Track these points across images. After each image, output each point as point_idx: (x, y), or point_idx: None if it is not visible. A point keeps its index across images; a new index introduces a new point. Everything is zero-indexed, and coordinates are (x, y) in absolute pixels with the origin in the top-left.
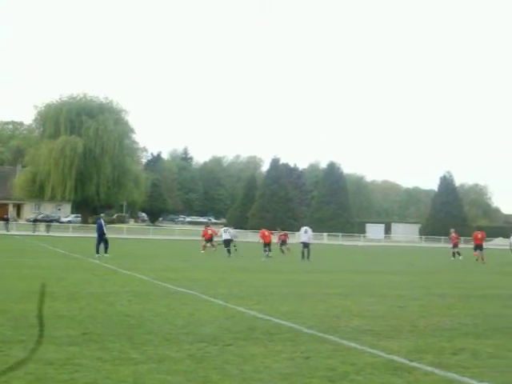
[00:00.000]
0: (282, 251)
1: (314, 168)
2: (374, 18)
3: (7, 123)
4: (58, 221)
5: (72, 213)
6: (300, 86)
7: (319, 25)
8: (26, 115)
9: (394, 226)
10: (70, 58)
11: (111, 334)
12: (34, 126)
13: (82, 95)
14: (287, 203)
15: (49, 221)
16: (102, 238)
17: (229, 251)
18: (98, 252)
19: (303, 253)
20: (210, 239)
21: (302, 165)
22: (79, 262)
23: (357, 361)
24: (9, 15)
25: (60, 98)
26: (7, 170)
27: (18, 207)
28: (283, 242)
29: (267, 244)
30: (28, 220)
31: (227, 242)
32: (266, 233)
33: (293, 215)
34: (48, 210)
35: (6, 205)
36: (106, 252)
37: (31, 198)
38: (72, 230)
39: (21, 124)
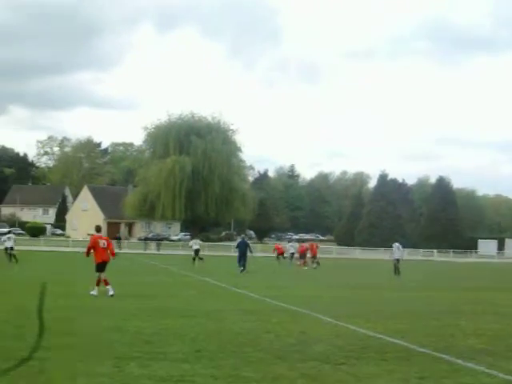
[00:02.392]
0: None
1: (422, 183)
2: None
3: (118, 145)
4: (168, 239)
5: (181, 231)
6: (409, 101)
7: None
8: (136, 136)
9: (509, 242)
10: (176, 77)
11: (223, 352)
12: (143, 146)
13: (190, 115)
14: (396, 219)
15: (159, 239)
16: (244, 256)
17: (194, 260)
18: (240, 266)
19: (398, 268)
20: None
21: (411, 180)
22: (190, 279)
23: (473, 381)
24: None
25: (169, 119)
26: (119, 190)
27: (130, 226)
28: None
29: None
30: (139, 238)
31: (196, 252)
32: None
33: (401, 232)
34: (158, 228)
35: (118, 224)
36: (244, 268)
37: (142, 217)
38: (182, 247)
39: (131, 145)
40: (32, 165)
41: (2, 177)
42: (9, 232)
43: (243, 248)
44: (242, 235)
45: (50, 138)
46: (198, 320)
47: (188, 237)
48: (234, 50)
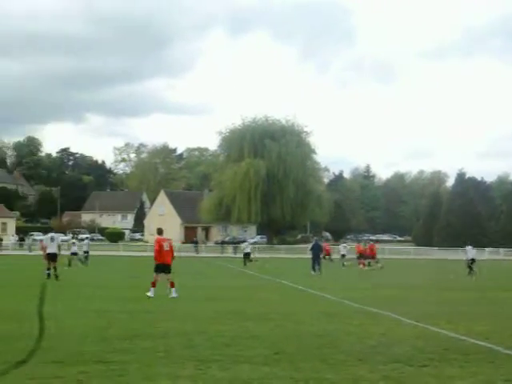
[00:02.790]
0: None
1: (502, 181)
2: None
3: (193, 150)
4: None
5: (257, 234)
6: (485, 98)
7: None
8: (210, 141)
9: None
10: (249, 81)
11: (303, 354)
12: (218, 151)
13: (263, 118)
14: (475, 218)
15: (236, 242)
16: (318, 258)
17: (245, 263)
18: (313, 270)
19: (472, 268)
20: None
21: (490, 178)
22: (267, 282)
23: None
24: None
25: (243, 123)
26: (195, 194)
27: (207, 230)
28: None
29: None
30: (216, 242)
31: (247, 255)
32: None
33: (481, 231)
34: (234, 232)
35: (195, 228)
36: (319, 270)
37: (218, 221)
38: (258, 251)
39: (206, 150)
40: (110, 171)
41: (81, 184)
42: (72, 238)
43: (317, 250)
44: (316, 238)
45: (126, 144)
46: (276, 322)
47: (265, 239)
48: (307, 52)
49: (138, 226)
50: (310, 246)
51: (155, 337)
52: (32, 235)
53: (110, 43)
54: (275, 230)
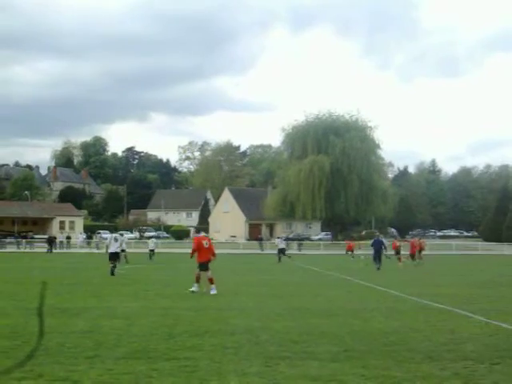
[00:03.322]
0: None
1: None
2: None
3: (257, 147)
4: (309, 239)
5: (322, 230)
6: None
7: None
8: (274, 138)
9: None
10: (311, 77)
11: (372, 351)
12: (282, 147)
13: (327, 114)
14: None
15: (300, 239)
16: (379, 254)
17: (280, 259)
18: (376, 264)
19: None
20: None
21: None
22: (333, 279)
23: None
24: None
25: (306, 119)
26: (259, 191)
27: (271, 227)
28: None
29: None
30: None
31: (282, 251)
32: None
33: None
34: (299, 228)
35: (260, 225)
36: (380, 265)
37: (282, 218)
38: (323, 247)
39: (269, 147)
40: (174, 170)
41: (146, 183)
42: (121, 235)
43: (378, 246)
44: (377, 234)
45: (190, 143)
46: (343, 319)
47: (329, 236)
48: (370, 47)
49: (203, 223)
50: (371, 242)
51: (223, 333)
52: (99, 233)
53: (173, 42)
54: (340, 226)
